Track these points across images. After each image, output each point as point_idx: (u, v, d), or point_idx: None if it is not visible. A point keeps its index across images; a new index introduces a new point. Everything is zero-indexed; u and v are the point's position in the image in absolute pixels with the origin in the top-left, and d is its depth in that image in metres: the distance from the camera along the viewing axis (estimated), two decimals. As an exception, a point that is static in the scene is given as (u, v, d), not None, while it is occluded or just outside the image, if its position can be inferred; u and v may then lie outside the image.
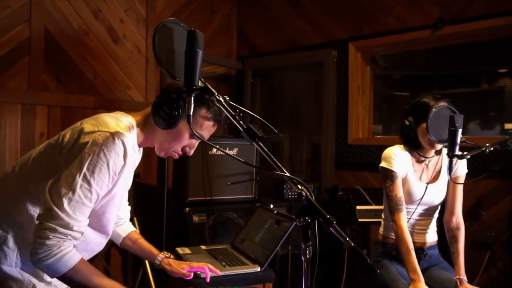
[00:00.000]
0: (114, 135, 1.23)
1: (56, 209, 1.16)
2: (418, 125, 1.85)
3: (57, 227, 1.16)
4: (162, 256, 1.57)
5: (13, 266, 1.26)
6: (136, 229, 2.79)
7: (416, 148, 1.92)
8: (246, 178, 2.96)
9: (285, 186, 3.01)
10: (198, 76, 1.17)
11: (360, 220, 2.81)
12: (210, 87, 1.19)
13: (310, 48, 3.50)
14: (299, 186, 1.09)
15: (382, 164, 1.93)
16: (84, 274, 1.20)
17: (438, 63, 3.53)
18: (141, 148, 1.56)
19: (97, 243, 1.40)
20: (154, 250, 1.60)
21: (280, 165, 1.10)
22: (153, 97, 3.31)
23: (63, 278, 1.20)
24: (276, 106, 3.88)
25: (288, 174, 1.09)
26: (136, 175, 3.00)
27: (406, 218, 1.88)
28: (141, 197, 3.21)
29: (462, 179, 1.96)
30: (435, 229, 2.02)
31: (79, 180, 1.18)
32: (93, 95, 3.01)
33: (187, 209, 2.73)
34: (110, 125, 1.26)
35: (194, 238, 2.69)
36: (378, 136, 3.38)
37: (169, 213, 2.91)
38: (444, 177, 1.96)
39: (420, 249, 1.95)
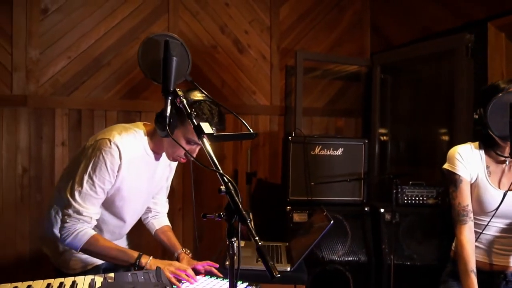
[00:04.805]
0: (111, 141, 1.51)
1: (71, 200, 1.50)
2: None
3: (72, 213, 1.49)
4: (180, 251, 1.75)
5: None
6: (249, 221, 3.06)
7: (491, 146, 1.54)
8: (353, 180, 2.83)
9: (398, 191, 2.75)
10: (173, 80, 1.30)
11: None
12: (178, 90, 1.31)
13: (444, 34, 3.07)
14: (228, 184, 1.09)
15: (445, 165, 1.62)
16: (98, 246, 1.51)
17: None
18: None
19: (115, 225, 1.69)
20: (178, 245, 1.79)
21: (216, 162, 1.13)
22: (278, 100, 3.56)
23: (83, 251, 1.53)
24: (409, 102, 3.53)
25: (220, 171, 1.10)
26: (253, 173, 3.25)
27: (473, 232, 1.52)
28: (262, 194, 3.43)
29: None
30: (528, 250, 1.56)
31: (86, 177, 1.51)
32: (221, 102, 3.38)
33: (288, 207, 2.81)
34: (112, 133, 1.54)
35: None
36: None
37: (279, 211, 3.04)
38: (535, 183, 1.50)
39: (500, 274, 1.54)
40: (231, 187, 1.07)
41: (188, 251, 1.76)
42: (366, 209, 2.79)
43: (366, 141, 2.88)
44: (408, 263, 2.65)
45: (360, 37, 3.81)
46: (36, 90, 2.86)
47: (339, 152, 2.83)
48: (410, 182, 2.81)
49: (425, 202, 2.76)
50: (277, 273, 0.93)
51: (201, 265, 1.61)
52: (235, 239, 1.06)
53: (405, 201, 2.76)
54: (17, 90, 2.80)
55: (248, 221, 1.01)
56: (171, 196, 3.18)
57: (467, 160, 1.57)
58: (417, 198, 2.76)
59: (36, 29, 2.85)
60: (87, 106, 3.00)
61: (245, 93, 3.48)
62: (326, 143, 2.83)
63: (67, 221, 1.49)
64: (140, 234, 2.04)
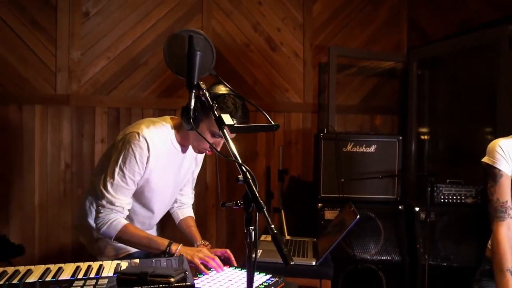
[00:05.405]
0: (139, 134, 1.58)
1: (104, 191, 1.58)
2: None
3: (105, 204, 1.58)
4: (199, 243, 1.79)
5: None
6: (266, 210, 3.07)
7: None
8: (384, 177, 2.77)
9: (434, 190, 2.66)
10: (197, 74, 1.34)
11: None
12: (202, 83, 1.34)
13: (484, 27, 2.94)
14: (246, 173, 1.10)
15: (484, 159, 1.57)
16: (130, 234, 1.58)
17: None
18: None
19: (144, 216, 1.76)
20: (198, 236, 1.84)
21: (235, 153, 1.15)
22: (311, 98, 3.55)
23: (117, 239, 1.61)
24: (448, 98, 3.41)
25: (239, 161, 1.12)
26: (284, 170, 3.25)
27: (511, 230, 1.45)
28: (294, 191, 3.43)
29: None
30: None
31: (117, 169, 1.58)
32: (253, 99, 3.42)
33: (319, 205, 2.79)
34: (141, 126, 1.60)
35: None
36: None
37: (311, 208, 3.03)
38: None
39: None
40: (249, 177, 1.09)
41: (207, 242, 1.81)
42: (400, 207, 2.73)
43: (400, 138, 2.81)
44: (444, 264, 2.57)
45: (397, 32, 3.72)
46: (77, 89, 3.00)
47: (372, 149, 2.78)
48: (448, 181, 2.72)
49: (463, 201, 2.66)
50: (291, 260, 0.94)
51: (220, 252, 1.65)
52: (252, 227, 1.08)
53: (442, 200, 2.67)
54: (60, 90, 2.96)
55: (265, 210, 1.02)
56: (204, 193, 3.26)
57: (509, 154, 1.51)
58: (454, 197, 2.67)
59: (78, 31, 2.99)
60: (125, 104, 3.12)
61: (277, 90, 3.49)
62: (359, 140, 2.79)
63: (101, 211, 1.57)
64: (173, 224, 2.10)
